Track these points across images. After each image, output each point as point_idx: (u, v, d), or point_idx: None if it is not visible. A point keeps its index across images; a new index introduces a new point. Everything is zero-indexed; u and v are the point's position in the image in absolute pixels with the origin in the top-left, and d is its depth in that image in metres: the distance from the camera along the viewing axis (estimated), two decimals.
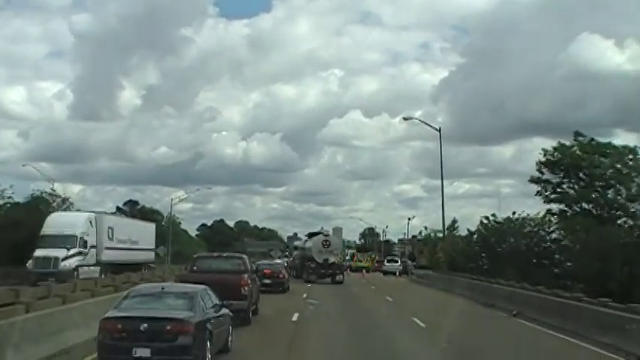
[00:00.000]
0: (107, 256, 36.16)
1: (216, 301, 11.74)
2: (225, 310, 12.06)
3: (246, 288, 17.04)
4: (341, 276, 41.06)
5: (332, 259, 40.99)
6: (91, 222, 35.34)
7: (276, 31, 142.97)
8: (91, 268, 33.67)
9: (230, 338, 12.40)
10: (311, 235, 46.84)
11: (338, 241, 45.27)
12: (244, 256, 20.01)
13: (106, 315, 10.19)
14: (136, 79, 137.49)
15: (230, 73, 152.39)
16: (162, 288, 11.31)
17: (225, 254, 20.49)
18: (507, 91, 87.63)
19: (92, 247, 34.82)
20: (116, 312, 10.26)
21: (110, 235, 37.16)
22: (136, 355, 9.52)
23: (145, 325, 9.67)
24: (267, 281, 28.15)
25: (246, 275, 17.60)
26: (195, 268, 17.82)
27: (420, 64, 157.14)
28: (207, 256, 20.53)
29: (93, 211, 38.65)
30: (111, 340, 9.71)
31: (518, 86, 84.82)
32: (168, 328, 9.72)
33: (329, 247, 41.28)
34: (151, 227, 48.42)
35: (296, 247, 54.94)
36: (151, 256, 46.15)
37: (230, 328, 12.41)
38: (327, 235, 42.98)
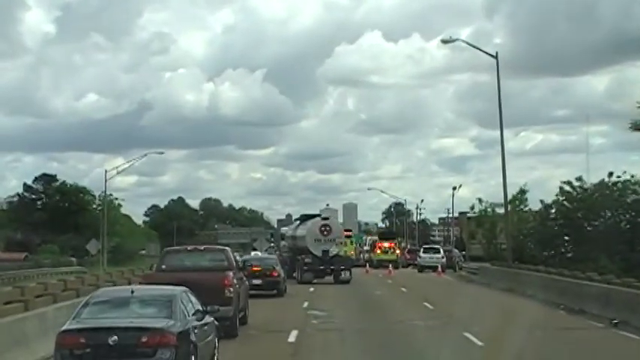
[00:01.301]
0: None
1: (199, 306, 13.18)
2: (209, 318, 13.50)
3: (231, 289, 18.82)
4: (347, 273, 42.51)
5: (334, 251, 42.52)
6: None
7: None
8: None
9: (216, 353, 13.77)
10: (304, 218, 48.25)
11: (341, 226, 46.83)
12: (227, 248, 22.25)
13: (64, 327, 11.32)
14: None
15: None
16: (132, 291, 12.65)
17: (202, 247, 22.85)
18: None
19: None
20: (76, 323, 11.44)
21: None
22: None
23: (115, 337, 10.93)
24: (257, 281, 30.35)
25: (230, 273, 19.44)
26: (163, 266, 19.95)
27: None
28: (179, 250, 22.72)
29: None
30: (71, 357, 10.90)
31: None
32: (144, 340, 10.99)
33: (329, 233, 42.78)
34: None
35: (284, 236, 56.44)
36: None
37: (216, 340, 14.02)
38: (325, 219, 44.41)
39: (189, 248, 22.37)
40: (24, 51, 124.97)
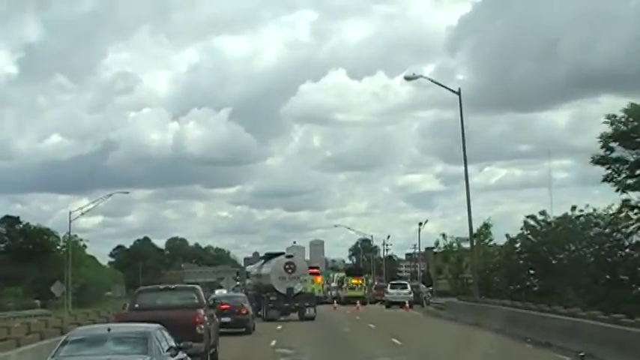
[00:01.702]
0: None
1: (172, 342, 13.63)
2: (182, 354, 13.88)
3: (202, 326, 19.82)
4: (312, 309, 43.19)
5: (298, 288, 43.38)
6: None
7: None
8: None
9: None
10: (269, 256, 49.12)
11: (305, 264, 48.02)
12: (197, 287, 23.17)
13: None
14: (9, 36, 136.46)
15: (152, 22, 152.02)
16: (109, 329, 13.21)
17: (173, 286, 24.10)
18: (559, 29, 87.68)
19: None
20: None
21: None
22: None
23: None
24: (226, 319, 31.01)
25: (201, 311, 20.54)
26: (137, 305, 21.09)
27: None
28: (152, 289, 23.63)
29: None
30: None
31: (576, 21, 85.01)
32: None
33: (294, 271, 43.68)
34: None
35: (249, 274, 57.42)
36: None
37: None
38: (290, 256, 45.75)
39: (161, 287, 23.36)
40: None
